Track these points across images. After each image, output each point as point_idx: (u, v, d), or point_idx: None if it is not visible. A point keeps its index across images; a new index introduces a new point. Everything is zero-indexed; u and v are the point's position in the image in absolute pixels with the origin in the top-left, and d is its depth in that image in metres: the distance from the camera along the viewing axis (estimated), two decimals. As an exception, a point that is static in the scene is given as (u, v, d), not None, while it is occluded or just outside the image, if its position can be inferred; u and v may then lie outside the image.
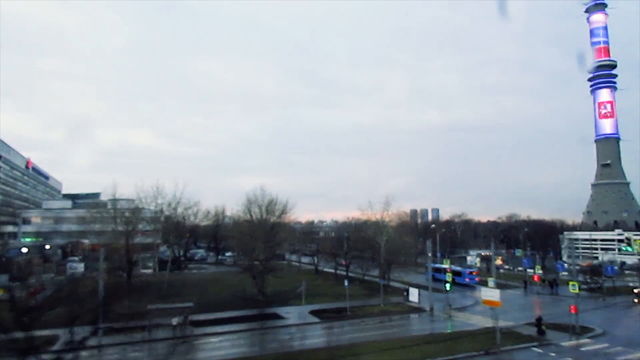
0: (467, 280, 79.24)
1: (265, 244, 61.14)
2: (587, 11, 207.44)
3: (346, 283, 56.57)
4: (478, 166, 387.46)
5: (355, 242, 78.78)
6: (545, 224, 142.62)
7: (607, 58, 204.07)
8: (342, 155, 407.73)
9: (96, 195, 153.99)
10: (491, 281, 55.38)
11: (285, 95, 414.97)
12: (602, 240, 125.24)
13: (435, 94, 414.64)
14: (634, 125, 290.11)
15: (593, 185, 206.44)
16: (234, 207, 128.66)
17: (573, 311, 45.63)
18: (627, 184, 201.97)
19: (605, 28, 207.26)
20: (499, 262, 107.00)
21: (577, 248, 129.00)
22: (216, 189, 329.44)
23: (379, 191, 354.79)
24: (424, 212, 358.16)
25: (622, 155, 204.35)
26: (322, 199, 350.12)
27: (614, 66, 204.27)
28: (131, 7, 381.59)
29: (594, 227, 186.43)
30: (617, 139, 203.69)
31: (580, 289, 73.16)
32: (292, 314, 54.32)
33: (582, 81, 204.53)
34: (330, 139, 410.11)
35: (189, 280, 75.64)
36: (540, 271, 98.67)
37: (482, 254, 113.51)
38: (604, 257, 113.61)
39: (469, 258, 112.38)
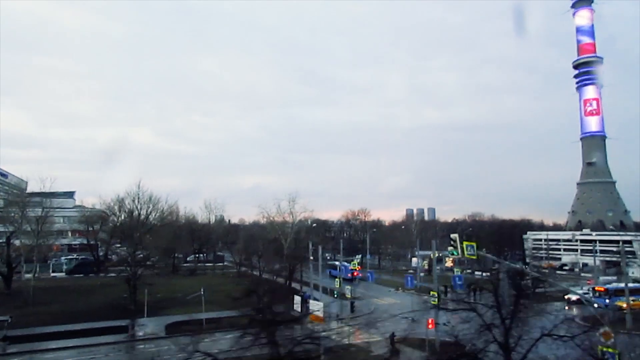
0: (349, 275, 77.84)
1: (135, 247, 54.09)
2: (573, 6, 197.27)
3: (202, 290, 49.18)
4: (476, 165, 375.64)
5: (263, 242, 71.46)
6: (509, 223, 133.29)
7: (593, 54, 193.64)
8: (340, 154, 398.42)
9: (70, 194, 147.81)
10: (316, 295, 45.66)
11: (284, 94, 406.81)
12: (564, 240, 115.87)
13: (433, 93, 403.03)
14: (621, 122, 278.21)
15: (578, 184, 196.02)
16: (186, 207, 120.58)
17: (430, 327, 37.88)
18: (613, 182, 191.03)
19: (591, 24, 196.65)
20: (449, 263, 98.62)
21: (541, 249, 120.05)
22: (216, 188, 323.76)
23: (378, 190, 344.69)
24: (420, 212, 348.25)
25: (608, 153, 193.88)
26: (321, 197, 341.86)
27: (600, 63, 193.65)
28: (129, 5, 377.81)
29: (578, 227, 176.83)
30: (603, 137, 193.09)
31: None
32: (146, 327, 47.58)
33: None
34: (328, 138, 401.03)
35: (79, 285, 68.70)
36: (487, 274, 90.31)
37: (432, 254, 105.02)
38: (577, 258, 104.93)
39: (414, 259, 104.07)
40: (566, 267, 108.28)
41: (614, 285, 65.39)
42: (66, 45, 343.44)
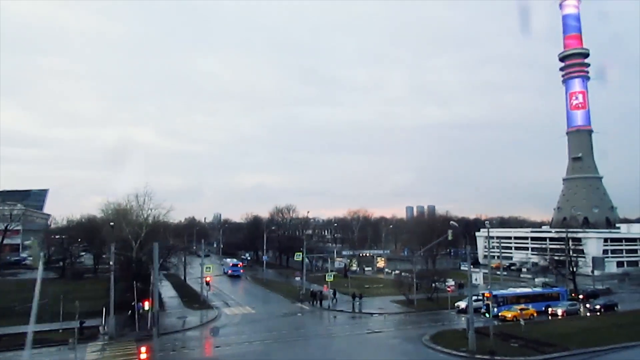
0: (229, 272, 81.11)
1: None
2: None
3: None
4: (478, 163, 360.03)
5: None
6: (464, 221, 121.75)
7: (579, 46, 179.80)
8: (342, 153, 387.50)
9: (43, 192, 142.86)
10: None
11: (285, 93, 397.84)
12: (516, 238, 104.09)
13: (434, 91, 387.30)
14: (609, 116, 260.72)
15: (564, 180, 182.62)
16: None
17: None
18: (599, 178, 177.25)
19: (578, 15, 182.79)
20: (381, 264, 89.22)
21: (493, 247, 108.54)
22: (217, 187, 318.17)
23: (380, 188, 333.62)
24: (420, 209, 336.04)
25: (594, 148, 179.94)
26: (321, 197, 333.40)
27: (587, 55, 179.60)
28: (132, 6, 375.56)
29: (563, 224, 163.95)
30: (590, 131, 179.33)
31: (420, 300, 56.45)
32: None
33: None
34: (330, 137, 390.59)
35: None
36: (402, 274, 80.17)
37: (361, 254, 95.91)
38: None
39: (338, 259, 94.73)
40: (514, 267, 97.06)
41: (503, 291, 55.28)
42: (68, 46, 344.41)
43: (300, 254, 62.40)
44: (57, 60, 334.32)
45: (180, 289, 61.18)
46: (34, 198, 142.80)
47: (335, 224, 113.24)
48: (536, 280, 76.71)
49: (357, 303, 54.52)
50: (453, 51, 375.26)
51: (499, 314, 49.06)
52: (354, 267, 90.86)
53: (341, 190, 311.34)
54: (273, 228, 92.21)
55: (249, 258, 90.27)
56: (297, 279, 63.35)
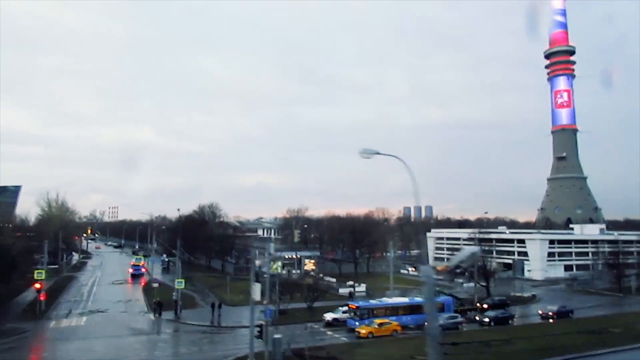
0: (131, 270, 79.40)
1: None
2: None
3: None
4: (477, 163, 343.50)
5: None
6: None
7: (565, 44, 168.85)
8: (341, 152, 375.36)
9: (17, 188, 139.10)
10: None
11: (285, 92, 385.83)
12: (465, 239, 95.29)
13: (434, 91, 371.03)
14: (595, 115, 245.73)
15: (548, 180, 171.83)
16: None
17: None
18: (584, 178, 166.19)
19: (564, 12, 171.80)
20: (309, 266, 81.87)
21: (443, 249, 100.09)
22: (217, 186, 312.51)
23: (379, 188, 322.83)
24: (417, 210, 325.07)
25: (579, 147, 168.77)
26: (322, 196, 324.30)
27: (572, 52, 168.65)
28: (131, 4, 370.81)
29: (547, 225, 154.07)
30: (574, 130, 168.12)
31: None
32: None
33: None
34: (329, 136, 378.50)
35: None
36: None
37: (287, 255, 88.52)
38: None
39: (257, 262, 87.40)
40: (458, 270, 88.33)
41: (372, 302, 47.64)
42: (70, 45, 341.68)
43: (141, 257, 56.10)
44: (58, 59, 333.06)
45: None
46: (9, 195, 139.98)
47: (267, 223, 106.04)
48: (464, 285, 68.40)
49: (217, 314, 47.69)
50: (452, 51, 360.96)
51: (356, 329, 41.53)
52: (278, 270, 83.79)
53: (341, 190, 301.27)
54: (205, 226, 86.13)
55: (167, 259, 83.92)
56: (155, 285, 56.81)
